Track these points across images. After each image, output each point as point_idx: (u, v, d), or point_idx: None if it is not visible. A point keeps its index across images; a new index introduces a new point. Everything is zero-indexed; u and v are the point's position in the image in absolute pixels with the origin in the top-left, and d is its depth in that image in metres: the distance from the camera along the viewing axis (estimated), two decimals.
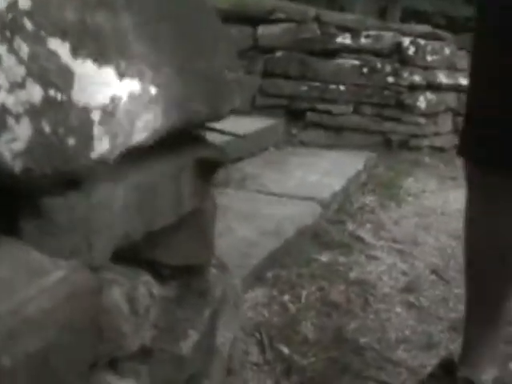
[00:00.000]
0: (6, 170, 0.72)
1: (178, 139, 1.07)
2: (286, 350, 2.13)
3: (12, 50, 0.65)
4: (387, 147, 5.21)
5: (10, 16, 0.66)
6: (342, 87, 5.29)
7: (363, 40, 5.37)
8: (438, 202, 4.14)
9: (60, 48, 0.71)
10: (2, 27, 0.65)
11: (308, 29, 5.44)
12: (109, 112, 0.80)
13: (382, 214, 3.78)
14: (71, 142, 0.73)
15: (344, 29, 5.40)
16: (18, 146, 0.69)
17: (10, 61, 0.69)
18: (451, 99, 5.66)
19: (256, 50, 5.49)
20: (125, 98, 0.83)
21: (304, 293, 2.54)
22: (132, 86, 0.84)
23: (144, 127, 0.90)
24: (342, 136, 5.23)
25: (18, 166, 0.72)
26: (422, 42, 5.43)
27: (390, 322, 2.44)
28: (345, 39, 5.38)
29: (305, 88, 5.30)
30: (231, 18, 5.62)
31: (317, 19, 5.49)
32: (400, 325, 2.42)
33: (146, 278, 1.16)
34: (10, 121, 0.67)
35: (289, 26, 5.47)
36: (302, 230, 3.06)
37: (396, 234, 3.44)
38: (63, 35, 0.72)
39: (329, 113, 5.26)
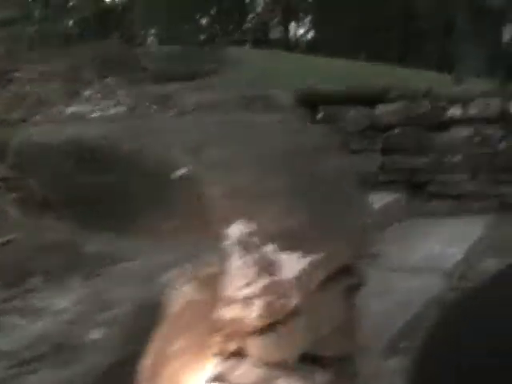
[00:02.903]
0: None
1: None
2: None
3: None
4: (504, 210, 5.49)
5: None
6: (457, 157, 5.66)
7: (472, 110, 5.75)
8: None
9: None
10: None
11: (420, 104, 5.89)
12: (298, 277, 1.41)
13: None
14: None
15: (454, 100, 5.81)
16: None
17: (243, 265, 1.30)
18: None
19: (374, 129, 5.99)
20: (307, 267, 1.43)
21: None
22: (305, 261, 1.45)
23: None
24: (460, 203, 5.58)
25: None
26: None
27: None
28: (455, 111, 5.78)
29: (423, 161, 5.73)
30: (348, 99, 6.21)
31: (427, 94, 5.94)
32: None
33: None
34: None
35: (402, 104, 5.94)
36: (429, 302, 3.53)
37: None
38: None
39: (447, 183, 5.64)
